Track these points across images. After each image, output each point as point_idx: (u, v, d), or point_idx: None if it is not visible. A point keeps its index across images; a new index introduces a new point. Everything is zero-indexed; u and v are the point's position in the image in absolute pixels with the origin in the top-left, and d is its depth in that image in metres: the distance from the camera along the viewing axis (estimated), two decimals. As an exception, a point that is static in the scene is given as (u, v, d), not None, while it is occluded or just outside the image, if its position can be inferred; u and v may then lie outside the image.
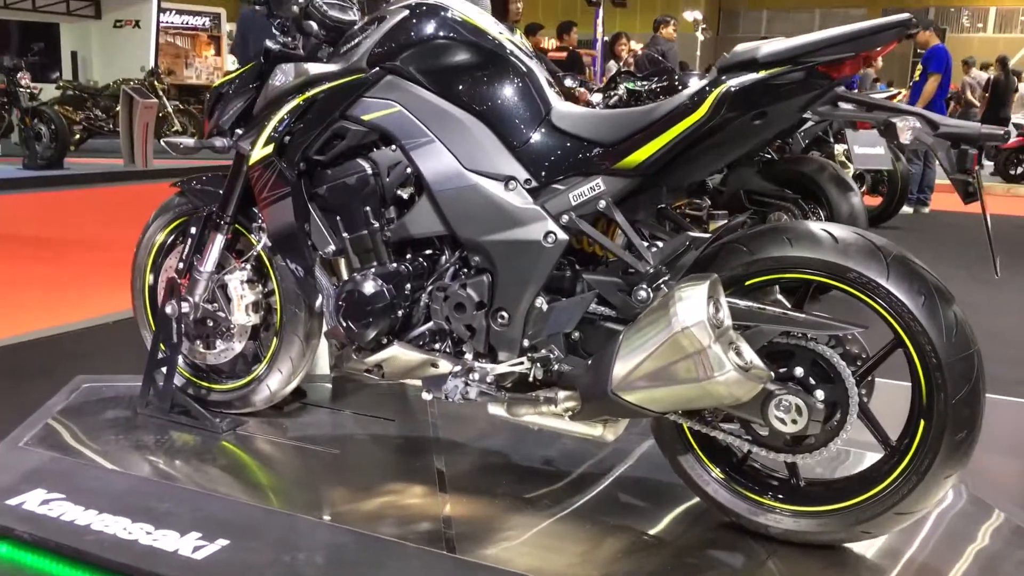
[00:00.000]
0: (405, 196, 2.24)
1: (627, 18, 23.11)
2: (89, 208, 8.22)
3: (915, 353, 1.77)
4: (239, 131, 2.48)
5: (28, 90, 10.00)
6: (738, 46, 1.85)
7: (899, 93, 7.60)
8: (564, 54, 9.56)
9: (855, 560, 1.95)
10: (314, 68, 2.29)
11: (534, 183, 2.05)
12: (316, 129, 2.25)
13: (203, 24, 18.57)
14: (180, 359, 2.66)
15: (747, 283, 1.90)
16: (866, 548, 1.97)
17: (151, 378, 2.65)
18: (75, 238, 6.35)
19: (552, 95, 2.16)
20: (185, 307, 2.58)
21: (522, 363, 2.06)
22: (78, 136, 11.85)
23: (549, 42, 10.03)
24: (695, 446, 2.03)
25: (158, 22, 16.72)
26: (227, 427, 2.58)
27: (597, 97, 6.10)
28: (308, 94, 2.27)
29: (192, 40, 18.57)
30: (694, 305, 1.73)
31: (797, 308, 1.91)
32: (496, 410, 2.13)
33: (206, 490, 2.22)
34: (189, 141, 2.67)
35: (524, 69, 2.16)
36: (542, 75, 2.20)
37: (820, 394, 1.83)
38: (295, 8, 2.37)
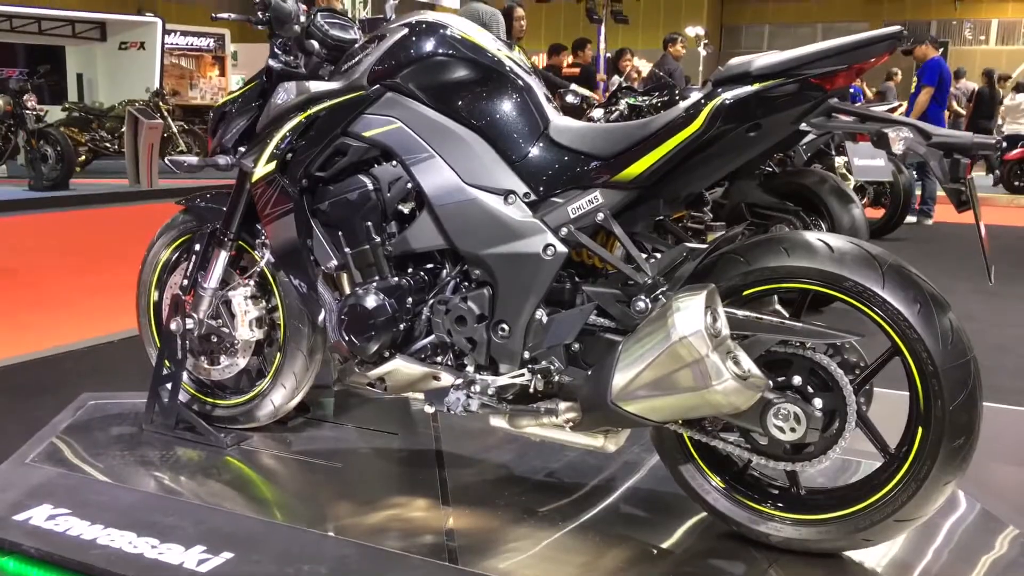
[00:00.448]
0: (406, 211, 2.26)
1: (629, 34, 23.24)
2: (95, 228, 8.27)
3: (912, 361, 1.78)
4: (242, 149, 2.52)
5: (34, 112, 10.07)
6: (733, 59, 1.87)
7: (899, 106, 7.62)
8: (578, 70, 9.68)
9: (858, 570, 1.95)
10: (315, 86, 2.32)
11: (533, 197, 2.08)
12: (318, 146, 2.28)
13: (208, 45, 18.70)
14: (185, 375, 2.68)
15: (745, 293, 1.92)
16: (872, 560, 1.98)
17: (156, 394, 2.67)
18: (80, 258, 6.39)
19: (550, 110, 2.19)
20: (189, 323, 2.61)
21: (523, 375, 2.08)
22: (84, 157, 11.92)
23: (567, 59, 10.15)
24: (695, 456, 2.04)
25: (163, 44, 16.86)
26: (232, 442, 2.60)
27: (599, 112, 6.15)
28: (310, 112, 2.30)
29: (197, 61, 18.70)
30: (692, 315, 1.75)
31: (795, 318, 1.93)
32: (498, 422, 2.14)
33: (211, 504, 2.23)
34: (193, 159, 2.71)
35: (522, 84, 2.19)
36: (540, 90, 2.23)
37: (818, 402, 1.84)
38: (297, 28, 2.41)
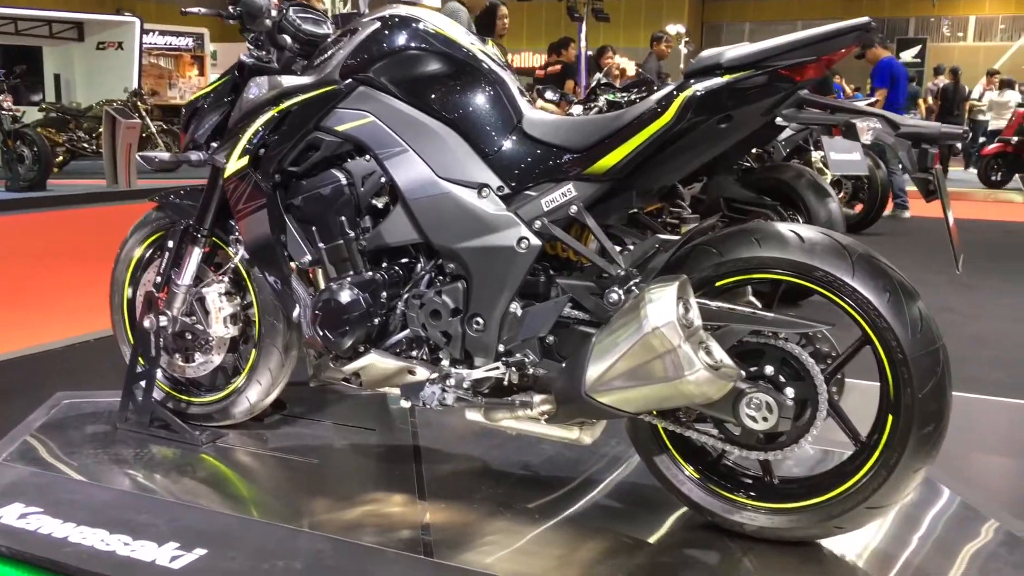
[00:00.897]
0: (380, 205, 2.26)
1: (611, 32, 23.26)
2: (72, 229, 8.20)
3: (882, 349, 1.79)
4: (215, 144, 2.50)
5: (10, 113, 9.99)
6: (704, 51, 1.88)
7: (876, 100, 7.67)
8: (559, 67, 9.75)
9: (838, 564, 1.96)
10: (288, 80, 2.31)
11: (507, 190, 2.08)
12: (290, 141, 2.27)
13: (186, 44, 18.61)
14: (159, 373, 2.66)
15: (718, 284, 1.93)
16: (852, 553, 1.98)
17: (130, 392, 2.65)
18: (57, 259, 6.33)
19: (523, 103, 2.19)
20: (163, 321, 2.59)
21: (498, 368, 2.08)
22: (61, 158, 11.84)
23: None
24: (670, 447, 2.05)
25: (141, 43, 16.74)
26: (207, 439, 2.58)
27: (578, 109, 6.16)
28: (282, 106, 2.29)
29: (176, 60, 18.60)
30: (664, 306, 1.76)
31: (767, 308, 1.94)
32: (473, 415, 2.14)
33: (185, 502, 2.22)
34: (164, 155, 2.68)
35: (495, 78, 2.19)
36: (513, 84, 2.23)
37: (790, 392, 1.85)
38: (268, 22, 2.40)
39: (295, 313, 2.36)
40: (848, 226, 5.70)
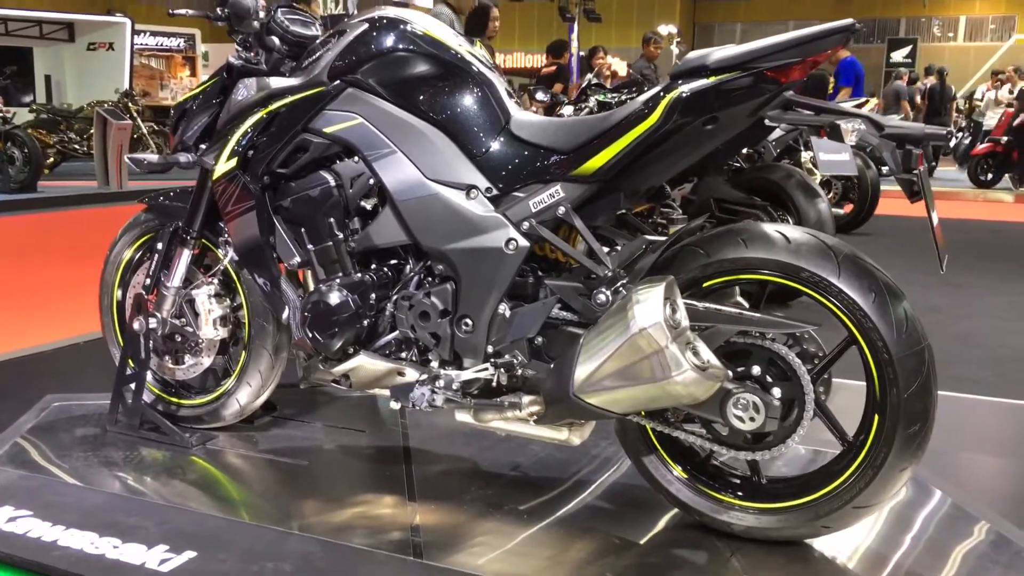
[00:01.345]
0: (368, 207, 2.26)
1: (603, 32, 23.29)
2: (63, 231, 8.17)
3: (867, 349, 1.80)
4: (204, 146, 2.50)
5: (1, 114, 9.96)
6: (690, 53, 1.89)
7: (867, 101, 7.69)
8: (554, 68, 9.86)
9: (828, 565, 1.97)
10: (276, 82, 2.31)
11: (495, 191, 2.08)
12: (279, 142, 2.27)
13: (178, 45, 18.56)
14: (149, 375, 2.66)
15: (705, 285, 1.94)
16: (843, 555, 1.99)
17: (120, 395, 2.65)
18: (48, 261, 6.31)
19: (511, 104, 2.19)
20: (153, 323, 2.58)
21: (487, 369, 2.09)
22: (52, 159, 11.78)
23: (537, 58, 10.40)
24: (658, 447, 2.06)
25: (132, 44, 16.69)
26: (197, 442, 2.58)
27: (569, 109, 6.17)
28: (271, 108, 2.29)
29: (167, 61, 18.55)
30: (651, 307, 1.76)
31: (754, 309, 1.95)
32: (463, 417, 2.15)
33: (174, 504, 2.22)
34: (153, 157, 2.68)
35: (483, 80, 2.20)
36: (501, 85, 2.23)
37: (777, 392, 1.86)
38: (256, 24, 2.40)
39: (284, 315, 2.36)
40: (838, 226, 5.71)
